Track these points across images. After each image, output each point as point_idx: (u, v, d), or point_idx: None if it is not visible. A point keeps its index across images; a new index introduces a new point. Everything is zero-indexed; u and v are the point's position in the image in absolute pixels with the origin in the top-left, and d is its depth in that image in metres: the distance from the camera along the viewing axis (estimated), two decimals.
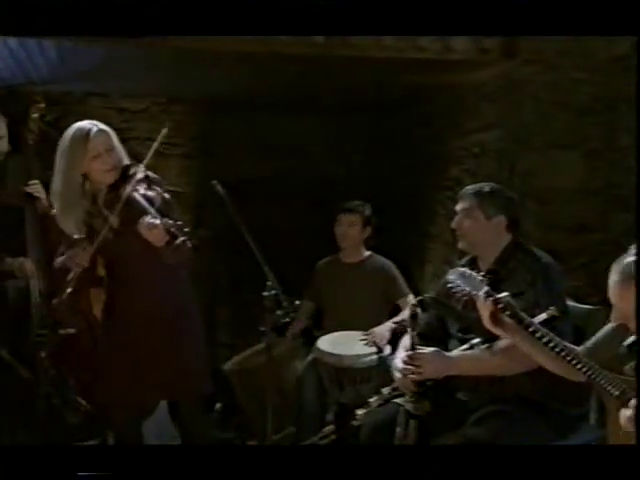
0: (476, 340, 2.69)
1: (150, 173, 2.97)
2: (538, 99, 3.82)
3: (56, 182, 2.90)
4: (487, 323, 2.36)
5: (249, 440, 3.91)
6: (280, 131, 5.36)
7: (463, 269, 2.49)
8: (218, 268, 5.00)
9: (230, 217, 3.05)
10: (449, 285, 2.49)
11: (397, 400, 2.77)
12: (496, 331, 2.38)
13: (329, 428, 3.45)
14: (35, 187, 3.51)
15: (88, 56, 3.97)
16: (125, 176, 2.89)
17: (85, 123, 2.91)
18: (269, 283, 3.02)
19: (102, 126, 2.91)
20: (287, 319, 3.42)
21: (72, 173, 2.86)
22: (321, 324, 4.14)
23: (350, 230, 3.99)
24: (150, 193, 2.87)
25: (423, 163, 4.96)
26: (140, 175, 2.86)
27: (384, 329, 3.75)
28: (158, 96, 5.12)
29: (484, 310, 2.35)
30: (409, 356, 2.64)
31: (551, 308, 2.41)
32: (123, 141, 5.29)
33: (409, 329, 2.64)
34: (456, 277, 2.46)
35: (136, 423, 3.03)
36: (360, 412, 2.83)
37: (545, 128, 3.82)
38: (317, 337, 3.88)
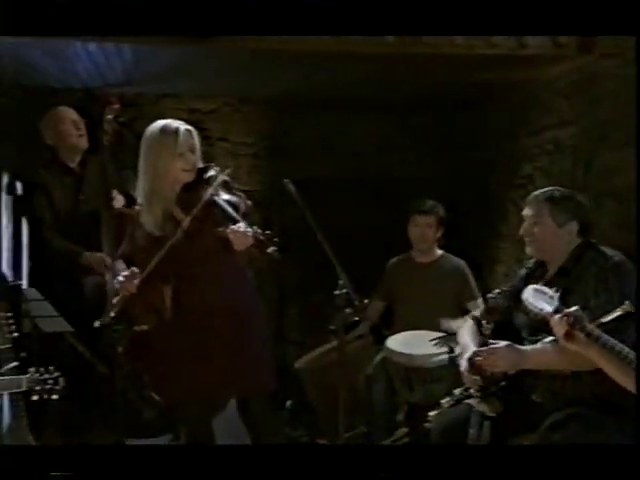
0: (549, 338, 2.63)
1: (228, 178, 2.98)
2: (616, 94, 3.71)
3: (142, 177, 2.93)
4: (562, 341, 2.31)
5: (319, 438, 3.92)
6: (350, 130, 5.36)
7: (536, 286, 2.44)
8: (288, 266, 5.04)
9: (301, 216, 3.06)
10: (524, 304, 2.44)
11: (469, 401, 2.73)
12: (571, 347, 2.31)
13: (402, 430, 3.43)
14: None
15: (162, 58, 4.05)
16: (201, 178, 2.91)
17: (171, 121, 2.93)
18: (341, 282, 3.01)
19: (188, 126, 2.94)
20: (356, 318, 3.44)
21: (158, 169, 2.89)
22: (391, 323, 4.12)
23: (426, 231, 3.97)
24: (234, 199, 2.89)
25: (495, 161, 4.88)
26: (221, 179, 2.88)
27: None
28: (229, 96, 5.18)
29: (558, 328, 2.30)
30: (481, 350, 2.61)
31: (626, 303, 2.34)
32: None
33: (484, 322, 2.61)
34: (530, 295, 2.42)
35: (207, 420, 3.06)
36: (432, 413, 2.80)
37: (623, 125, 3.71)
38: (387, 336, 3.87)
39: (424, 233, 3.98)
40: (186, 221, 2.89)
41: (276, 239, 2.75)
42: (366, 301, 3.15)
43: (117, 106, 3.78)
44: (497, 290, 2.81)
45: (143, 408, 3.61)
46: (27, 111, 4.33)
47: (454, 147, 5.30)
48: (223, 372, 2.91)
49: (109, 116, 3.75)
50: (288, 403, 4.17)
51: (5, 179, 4.88)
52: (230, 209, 2.82)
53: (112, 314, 2.97)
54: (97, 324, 3.03)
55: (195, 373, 2.94)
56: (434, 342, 3.63)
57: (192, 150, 2.91)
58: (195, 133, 2.95)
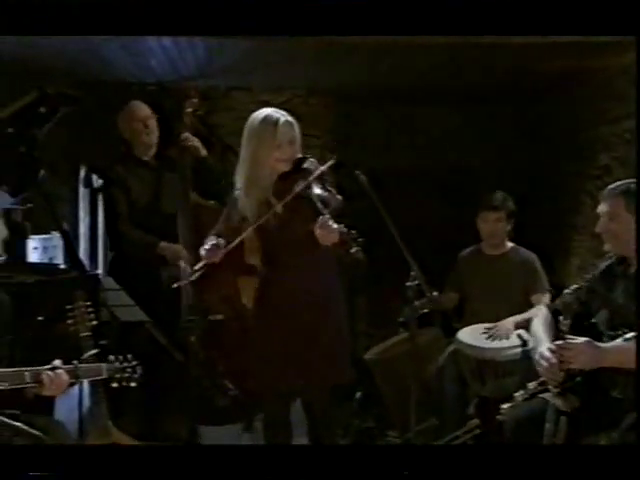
0: (630, 334, 2.57)
1: (324, 171, 2.96)
2: None
3: (242, 164, 2.98)
4: None
5: (388, 430, 3.93)
6: (417, 121, 5.32)
7: None
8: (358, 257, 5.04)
9: (371, 207, 3.06)
10: None
11: (544, 395, 2.69)
12: None
13: (473, 422, 3.41)
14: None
15: (233, 51, 4.10)
16: (298, 169, 2.93)
17: (273, 111, 2.96)
18: (412, 273, 3.01)
19: (289, 117, 2.96)
20: (426, 310, 3.43)
21: (256, 158, 2.93)
22: (461, 315, 4.08)
23: (496, 226, 3.92)
24: (325, 194, 2.89)
25: (569, 151, 4.78)
26: (317, 173, 2.91)
27: (508, 323, 3.67)
28: (298, 89, 5.20)
29: None
30: (559, 345, 2.56)
31: None
32: None
33: (561, 317, 2.56)
34: None
35: (285, 408, 3.10)
36: (505, 406, 2.77)
37: None
38: (457, 328, 3.84)
39: (494, 228, 3.93)
40: (277, 208, 2.91)
41: (360, 239, 2.75)
42: (435, 293, 3.14)
43: (195, 99, 3.83)
44: (575, 285, 2.74)
45: (217, 396, 3.68)
46: (103, 106, 4.44)
47: (527, 138, 5.21)
48: (302, 362, 2.93)
49: (188, 109, 3.80)
50: (357, 394, 4.18)
51: (82, 172, 5.04)
52: (319, 204, 2.82)
53: (193, 277, 3.01)
54: (178, 284, 3.13)
55: (275, 363, 2.97)
56: (484, 333, 3.61)
57: (291, 141, 2.93)
58: (296, 125, 2.96)
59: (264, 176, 2.94)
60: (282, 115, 2.94)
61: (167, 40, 3.80)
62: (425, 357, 3.75)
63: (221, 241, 2.96)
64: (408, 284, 3.01)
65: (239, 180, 3.00)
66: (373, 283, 4.96)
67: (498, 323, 3.69)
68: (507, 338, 3.59)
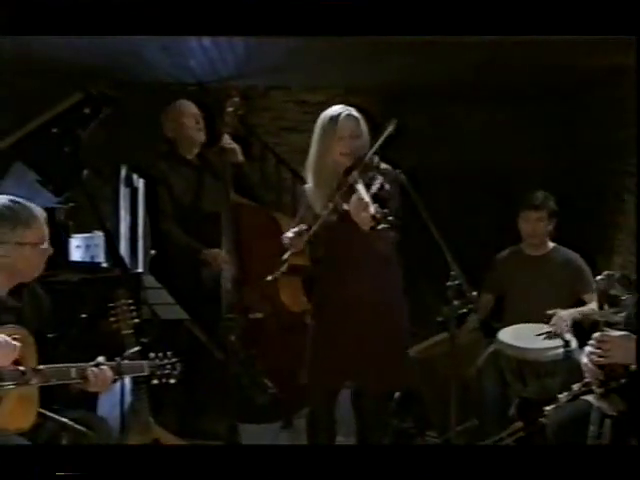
0: None
1: (382, 164, 3.00)
2: None
3: (310, 159, 3.04)
4: None
5: (428, 430, 3.90)
6: (458, 120, 5.29)
7: None
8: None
9: (412, 206, 3.05)
10: None
11: (588, 397, 2.65)
12: None
13: (517, 424, 3.37)
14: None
15: (272, 51, 4.11)
16: (358, 163, 2.94)
17: (338, 107, 3.01)
18: (452, 273, 2.99)
19: (354, 112, 2.99)
20: (465, 310, 3.40)
21: (323, 153, 2.99)
22: (500, 316, 4.04)
23: (537, 226, 3.87)
24: (371, 181, 2.91)
25: (611, 149, 4.71)
26: (368, 163, 2.91)
27: (566, 315, 3.61)
28: (337, 88, 5.21)
29: None
30: (596, 338, 2.52)
31: None
32: (301, 133, 5.53)
33: (598, 311, 2.52)
34: None
35: (332, 406, 3.10)
36: (548, 408, 2.73)
37: None
38: (496, 329, 3.80)
39: (535, 228, 3.88)
40: (330, 205, 2.94)
41: (391, 218, 2.76)
42: (474, 293, 3.12)
43: (237, 99, 3.85)
44: (606, 272, 2.67)
45: (256, 394, 3.70)
46: (143, 106, 4.49)
47: (568, 136, 5.15)
48: (358, 363, 2.95)
49: (229, 109, 3.82)
50: (396, 394, 4.16)
51: (123, 172, 5.10)
52: (363, 190, 2.84)
53: (282, 269, 3.03)
54: (269, 279, 3.10)
55: (329, 361, 2.99)
56: (542, 336, 3.56)
57: (353, 135, 2.95)
58: (361, 120, 2.99)
59: (329, 171, 2.99)
60: (346, 110, 2.99)
61: (207, 40, 3.84)
62: (465, 357, 3.72)
63: (303, 227, 2.99)
64: (448, 284, 2.99)
65: (307, 175, 3.06)
66: (415, 281, 4.94)
67: (557, 312, 3.62)
68: (563, 331, 3.53)
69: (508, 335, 3.65)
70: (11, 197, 2.51)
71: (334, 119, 2.97)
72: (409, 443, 3.83)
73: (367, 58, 4.30)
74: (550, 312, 3.61)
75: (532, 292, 3.84)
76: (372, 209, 2.76)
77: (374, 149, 2.96)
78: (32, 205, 2.51)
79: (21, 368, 2.08)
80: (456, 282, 3.01)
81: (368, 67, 4.60)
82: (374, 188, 2.90)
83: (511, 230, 3.99)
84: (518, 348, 3.54)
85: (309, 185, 3.06)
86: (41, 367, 2.28)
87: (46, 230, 2.52)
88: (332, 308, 3.04)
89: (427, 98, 5.16)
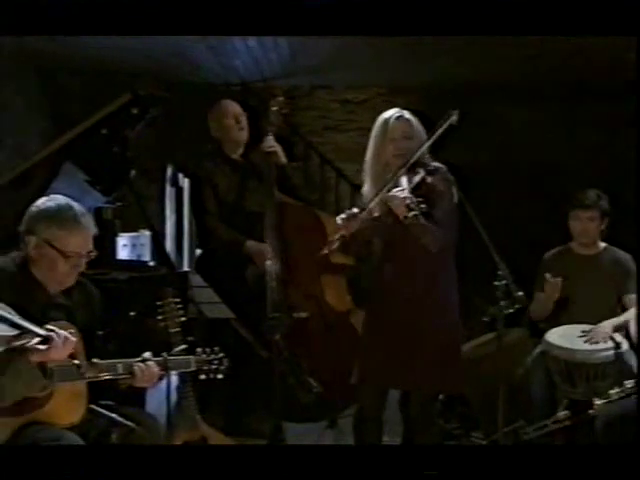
0: None
1: (432, 162, 3.00)
2: None
3: (366, 162, 3.08)
4: None
5: (473, 432, 3.87)
6: (506, 118, 5.23)
7: None
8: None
9: (459, 205, 3.03)
10: None
11: None
12: None
13: (564, 414, 3.30)
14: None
15: (317, 50, 4.12)
16: (408, 163, 2.95)
17: (393, 110, 3.05)
18: (500, 272, 2.95)
19: (406, 114, 3.02)
20: (511, 310, 3.36)
21: (376, 155, 3.03)
22: (549, 316, 3.98)
23: (588, 225, 3.80)
24: (416, 178, 2.91)
25: None
26: (414, 160, 2.92)
27: (606, 326, 3.55)
28: (381, 86, 5.19)
29: None
30: None
31: None
32: (345, 132, 5.52)
33: None
34: None
35: (381, 405, 3.08)
36: (599, 402, 2.68)
37: None
38: (544, 329, 3.75)
39: (586, 227, 3.81)
40: (372, 203, 2.95)
41: (423, 206, 2.77)
42: (520, 293, 3.08)
43: (281, 98, 3.86)
44: None
45: (301, 393, 3.70)
46: (189, 106, 4.54)
47: (616, 133, 5.05)
48: (410, 364, 2.93)
49: (274, 108, 3.84)
50: (441, 395, 4.14)
51: (169, 171, 5.15)
52: (405, 184, 2.86)
53: (334, 246, 3.02)
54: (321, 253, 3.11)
55: (380, 360, 2.98)
56: (583, 336, 3.50)
57: (405, 137, 2.97)
58: (414, 121, 3.02)
59: (383, 172, 3.00)
60: (398, 112, 3.03)
61: (252, 40, 3.86)
62: (512, 358, 3.67)
63: (355, 210, 3.00)
64: (495, 283, 2.96)
65: (364, 178, 3.10)
66: (461, 281, 4.90)
67: (595, 326, 3.57)
68: (605, 342, 3.48)
69: (556, 336, 3.59)
70: (70, 201, 2.51)
71: (386, 121, 3.01)
72: (454, 444, 3.80)
73: (411, 57, 4.28)
74: (586, 328, 3.55)
75: (581, 292, 3.77)
76: (405, 196, 2.78)
77: (423, 147, 2.96)
78: (85, 219, 2.48)
79: (76, 362, 2.10)
80: (504, 282, 2.98)
81: (412, 66, 4.58)
82: (415, 180, 2.91)
83: (560, 229, 3.93)
84: (566, 349, 3.48)
85: (365, 187, 3.08)
86: (95, 360, 2.30)
87: (83, 246, 2.46)
88: (380, 307, 3.04)
89: (472, 97, 5.10)
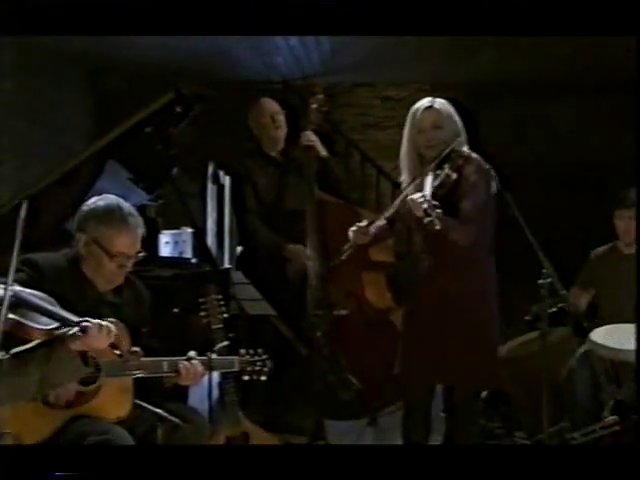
0: None
1: (468, 154, 2.96)
2: None
3: (401, 153, 3.07)
4: None
5: (516, 431, 3.83)
6: (546, 115, 5.17)
7: None
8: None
9: (500, 202, 3.00)
10: None
11: None
12: None
13: (612, 418, 3.26)
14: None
15: (358, 48, 4.11)
16: (441, 154, 2.93)
17: (423, 100, 3.01)
18: (544, 270, 2.92)
19: (436, 104, 2.97)
20: (555, 309, 3.32)
21: (409, 147, 3.02)
22: (593, 315, 3.93)
23: (632, 224, 3.74)
24: (443, 174, 2.88)
25: None
26: (446, 154, 2.89)
27: None
28: (422, 83, 5.17)
29: None
30: None
31: None
32: (385, 129, 5.50)
33: None
34: None
35: (427, 402, 3.08)
36: None
37: None
38: (588, 328, 3.69)
39: (630, 226, 3.75)
40: (397, 200, 2.94)
41: (439, 211, 2.74)
42: (564, 292, 3.04)
43: (321, 96, 3.87)
44: None
45: (341, 390, 3.71)
46: (230, 104, 4.56)
47: None
48: (449, 361, 2.93)
49: (313, 106, 3.85)
50: (483, 393, 4.10)
51: (210, 169, 5.19)
52: (429, 183, 2.85)
53: (342, 257, 3.09)
54: (333, 263, 3.14)
55: (416, 356, 2.98)
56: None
57: (435, 126, 2.94)
58: (444, 110, 2.96)
59: (415, 164, 3.00)
60: (428, 101, 2.99)
61: (294, 38, 3.86)
62: (556, 357, 3.62)
63: (364, 223, 3.03)
64: (540, 282, 2.92)
65: (401, 167, 3.08)
66: (503, 279, 4.85)
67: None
68: None
69: (601, 335, 3.54)
70: (120, 201, 2.54)
71: (414, 113, 2.98)
72: (496, 443, 3.77)
73: (453, 53, 4.25)
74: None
75: (627, 292, 3.71)
76: (422, 200, 2.75)
77: (452, 146, 2.91)
78: (133, 219, 2.50)
79: (117, 352, 2.12)
80: (548, 280, 2.95)
81: (454, 62, 4.54)
82: (438, 181, 2.88)
83: (604, 228, 3.87)
84: (612, 349, 3.42)
85: (402, 180, 3.07)
86: (136, 349, 2.32)
87: (130, 246, 2.48)
88: (417, 301, 3.03)
89: (515, 94, 5.06)
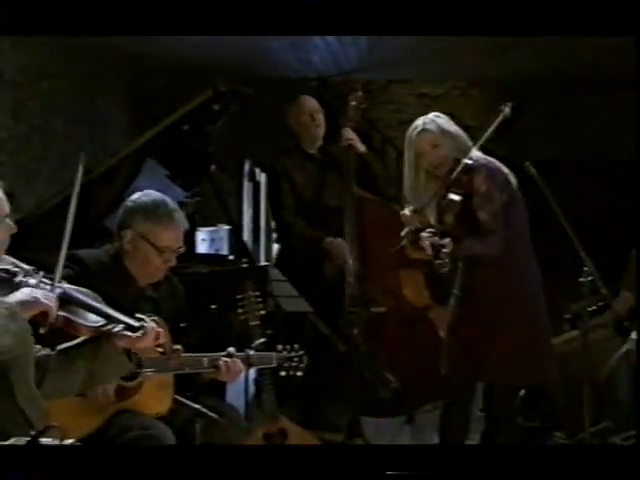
0: None
1: (473, 163, 2.88)
2: None
3: (405, 176, 3.01)
4: None
5: (556, 431, 3.78)
6: (583, 112, 5.10)
7: None
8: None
9: (539, 199, 2.97)
10: None
11: None
12: None
13: None
14: None
15: (395, 44, 4.09)
16: (451, 169, 2.90)
17: (415, 123, 2.95)
18: (586, 269, 2.88)
19: (428, 124, 2.90)
20: (594, 307, 3.27)
21: (409, 168, 2.97)
22: (635, 314, 3.86)
23: None
24: (446, 201, 2.87)
25: None
26: (459, 168, 2.86)
27: None
28: (459, 80, 5.13)
29: None
30: None
31: None
32: None
33: None
34: None
35: (468, 401, 3.04)
36: None
37: None
38: (629, 328, 3.63)
39: None
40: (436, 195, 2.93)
41: (446, 251, 2.71)
42: (603, 291, 3.00)
43: (360, 93, 3.86)
44: None
45: (378, 388, 3.70)
46: (267, 101, 4.57)
47: None
48: (497, 356, 2.89)
49: (352, 103, 3.84)
50: (522, 391, 4.06)
51: (246, 166, 5.22)
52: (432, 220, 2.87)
53: (402, 243, 3.04)
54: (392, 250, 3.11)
55: (459, 353, 2.95)
56: None
57: (434, 145, 2.89)
58: (438, 127, 2.89)
59: (426, 184, 2.95)
60: (422, 122, 2.92)
61: (331, 36, 3.86)
62: (597, 356, 3.58)
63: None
64: (581, 280, 2.89)
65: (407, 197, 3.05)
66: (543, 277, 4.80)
67: None
68: None
69: None
70: (165, 197, 2.56)
71: (410, 136, 2.93)
72: (535, 443, 3.73)
73: (490, 50, 4.21)
74: None
75: None
76: (431, 242, 2.76)
77: (484, 138, 2.89)
78: (178, 215, 2.53)
79: (159, 349, 2.14)
80: (589, 278, 2.91)
81: (491, 59, 4.50)
82: (443, 207, 2.88)
83: None
84: None
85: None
86: (178, 347, 2.34)
87: (175, 241, 2.50)
88: (462, 302, 3.00)
89: (552, 90, 5.00)
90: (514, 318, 2.92)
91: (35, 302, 1.74)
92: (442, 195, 2.91)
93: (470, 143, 2.95)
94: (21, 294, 1.75)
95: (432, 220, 2.92)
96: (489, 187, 2.85)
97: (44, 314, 1.76)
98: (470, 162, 2.87)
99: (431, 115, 2.96)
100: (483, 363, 2.91)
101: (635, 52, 3.01)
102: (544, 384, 3.05)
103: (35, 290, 1.77)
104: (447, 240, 2.74)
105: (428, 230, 2.81)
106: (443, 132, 2.91)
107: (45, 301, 1.75)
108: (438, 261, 2.73)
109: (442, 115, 2.98)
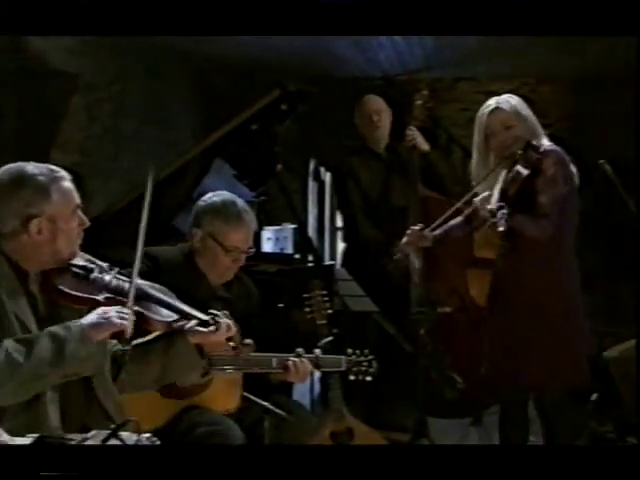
0: None
1: (546, 147, 2.84)
2: None
3: (472, 161, 2.99)
4: None
5: (627, 436, 3.68)
6: None
7: None
8: (587, 251, 4.79)
9: (609, 197, 2.90)
10: None
11: None
12: None
13: None
14: None
15: (461, 42, 4.05)
16: (523, 151, 2.83)
17: (488, 102, 2.91)
18: None
19: (502, 103, 2.86)
20: None
21: (479, 153, 2.93)
22: None
23: None
24: (514, 171, 2.81)
25: None
26: (520, 152, 2.81)
27: None
28: (528, 77, 5.04)
29: None
30: None
31: None
32: None
33: None
34: None
35: (523, 402, 2.99)
36: None
37: None
38: None
39: None
40: (464, 198, 2.92)
41: (504, 211, 2.66)
42: None
43: (426, 92, 3.84)
44: None
45: (445, 388, 3.66)
46: (333, 101, 4.58)
47: None
48: (535, 359, 2.84)
49: (418, 102, 3.82)
50: (594, 396, 3.96)
51: (311, 166, 5.23)
52: (495, 192, 2.82)
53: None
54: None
55: (499, 357, 2.90)
56: None
57: (506, 126, 2.83)
58: (514, 109, 2.84)
59: (488, 163, 2.91)
60: (495, 102, 2.87)
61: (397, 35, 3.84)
62: None
63: (415, 228, 3.03)
64: None
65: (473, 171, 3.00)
66: (609, 277, 4.69)
67: None
68: None
69: None
70: (235, 197, 2.60)
71: (481, 117, 2.88)
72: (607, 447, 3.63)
73: (559, 46, 4.12)
74: None
75: None
76: (490, 210, 2.73)
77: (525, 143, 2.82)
78: (247, 215, 2.55)
79: (231, 343, 2.18)
80: None
81: (560, 55, 4.40)
82: (510, 176, 2.83)
83: None
84: None
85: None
86: (248, 341, 2.34)
87: (244, 242, 2.53)
88: (500, 302, 2.95)
89: (624, 86, 4.85)
90: (550, 319, 2.84)
91: (108, 324, 1.75)
92: (509, 168, 2.86)
93: (541, 129, 2.91)
94: (94, 316, 1.76)
95: (496, 193, 2.87)
96: (557, 171, 2.80)
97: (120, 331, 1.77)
98: (543, 144, 2.84)
99: (505, 95, 2.92)
100: (519, 367, 2.84)
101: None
102: (579, 386, 2.94)
103: (107, 310, 1.77)
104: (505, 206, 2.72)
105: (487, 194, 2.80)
106: (517, 113, 2.86)
107: (118, 321, 1.75)
108: (493, 219, 2.69)
109: (515, 96, 2.93)
